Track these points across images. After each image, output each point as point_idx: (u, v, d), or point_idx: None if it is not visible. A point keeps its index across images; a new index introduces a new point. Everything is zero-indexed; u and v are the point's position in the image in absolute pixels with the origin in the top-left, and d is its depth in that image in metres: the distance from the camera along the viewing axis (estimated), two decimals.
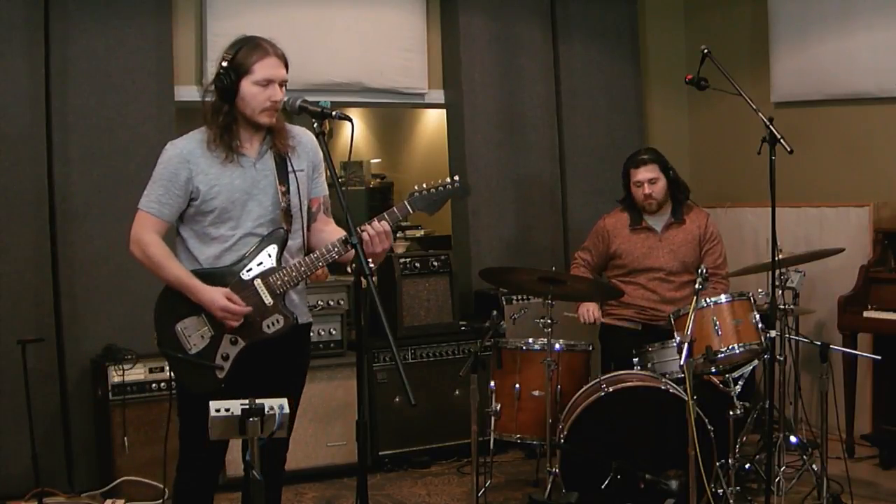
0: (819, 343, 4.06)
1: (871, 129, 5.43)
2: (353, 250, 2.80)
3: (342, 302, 5.16)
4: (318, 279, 4.78)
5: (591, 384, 4.28)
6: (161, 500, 4.56)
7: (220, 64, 3.10)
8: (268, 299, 3.11)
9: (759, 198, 5.37)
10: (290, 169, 3.18)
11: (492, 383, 4.43)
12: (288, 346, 3.20)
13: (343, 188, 2.85)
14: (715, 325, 4.19)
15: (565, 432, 4.12)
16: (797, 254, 4.59)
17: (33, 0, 4.70)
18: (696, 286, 3.84)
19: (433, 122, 7.91)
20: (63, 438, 4.78)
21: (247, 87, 3.08)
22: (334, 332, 5.13)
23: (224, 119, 3.11)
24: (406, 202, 3.13)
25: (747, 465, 4.51)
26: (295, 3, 5.39)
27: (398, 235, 6.88)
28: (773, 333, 4.06)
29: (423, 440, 5.22)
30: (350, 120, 2.95)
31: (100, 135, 4.87)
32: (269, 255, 3.13)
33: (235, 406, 2.64)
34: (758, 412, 4.73)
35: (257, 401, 2.66)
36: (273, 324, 3.12)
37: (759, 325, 4.22)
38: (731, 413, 4.13)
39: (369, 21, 5.58)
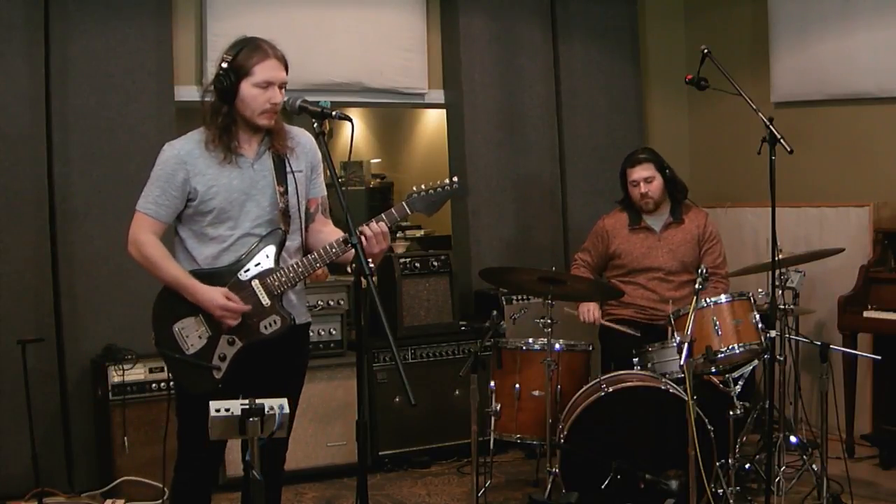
0: (819, 343, 4.06)
1: (871, 129, 5.43)
2: (353, 250, 2.80)
3: (342, 302, 5.16)
4: (317, 279, 4.79)
5: (591, 384, 4.28)
6: (161, 500, 4.56)
7: (220, 65, 3.10)
8: (265, 300, 3.11)
9: (759, 198, 5.37)
10: (288, 170, 3.18)
11: (492, 383, 4.43)
12: (286, 346, 3.20)
13: (343, 188, 2.84)
14: (715, 325, 4.19)
15: (565, 432, 4.12)
16: (797, 254, 4.59)
17: (33, 0, 4.70)
18: (696, 286, 3.84)
19: (433, 122, 7.91)
20: (63, 438, 4.78)
21: (246, 88, 3.08)
22: (334, 332, 5.13)
23: (223, 120, 3.10)
24: (404, 203, 3.13)
25: (747, 465, 4.50)
26: (295, 3, 5.39)
27: (398, 235, 6.88)
28: (773, 333, 4.06)
29: (423, 440, 5.21)
30: (350, 120, 2.95)
31: (100, 135, 4.87)
32: (267, 256, 3.13)
33: (235, 406, 2.64)
34: (758, 412, 4.73)
35: (257, 401, 2.66)
36: (270, 325, 3.12)
37: (759, 325, 4.22)
38: (731, 413, 4.13)
39: (369, 21, 5.58)
